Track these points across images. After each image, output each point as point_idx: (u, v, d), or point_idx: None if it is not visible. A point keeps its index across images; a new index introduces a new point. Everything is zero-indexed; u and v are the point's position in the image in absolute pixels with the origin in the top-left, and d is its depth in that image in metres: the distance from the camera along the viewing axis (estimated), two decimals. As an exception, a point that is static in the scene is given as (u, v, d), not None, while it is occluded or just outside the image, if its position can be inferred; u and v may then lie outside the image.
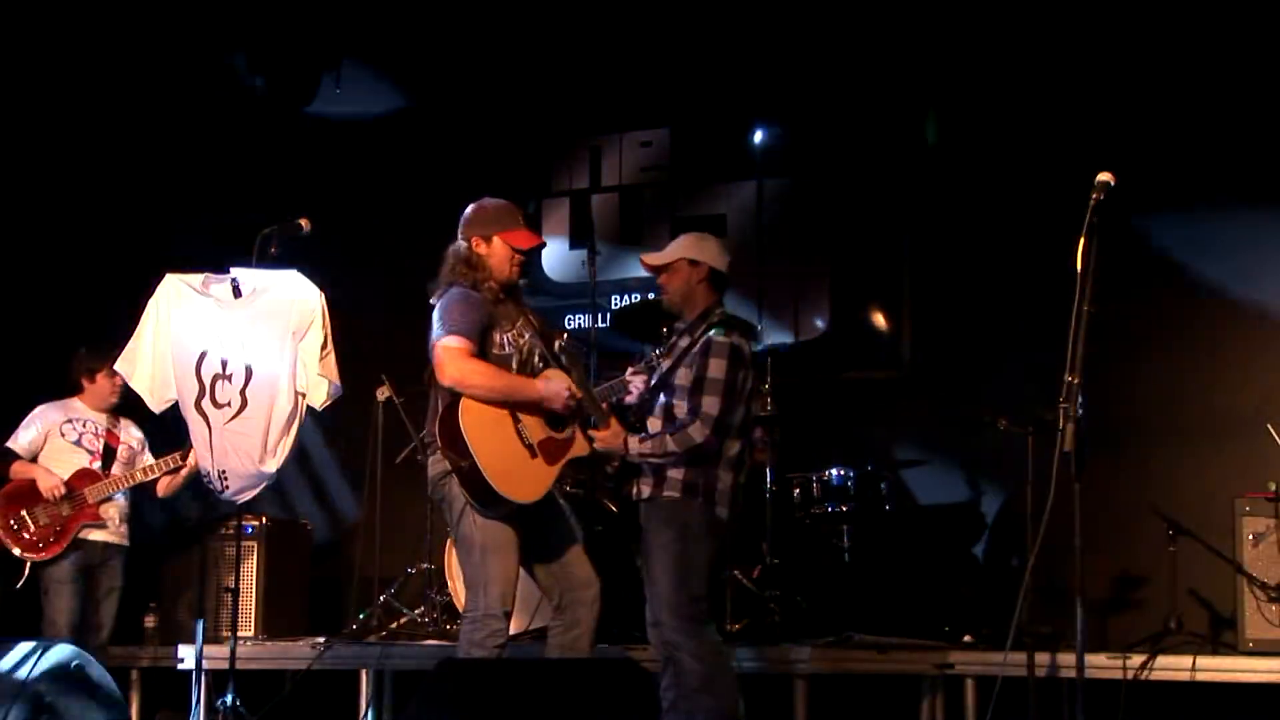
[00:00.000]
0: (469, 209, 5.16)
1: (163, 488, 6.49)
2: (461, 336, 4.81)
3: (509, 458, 4.82)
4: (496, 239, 5.04)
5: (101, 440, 6.49)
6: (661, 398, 5.03)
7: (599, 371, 6.00)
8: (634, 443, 4.93)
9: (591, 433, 4.98)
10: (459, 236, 5.09)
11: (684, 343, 5.04)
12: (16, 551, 6.26)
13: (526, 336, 5.03)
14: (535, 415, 4.94)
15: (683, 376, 4.96)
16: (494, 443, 4.79)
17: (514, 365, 4.96)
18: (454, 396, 4.81)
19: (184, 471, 6.36)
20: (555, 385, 4.90)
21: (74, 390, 6.54)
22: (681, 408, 4.92)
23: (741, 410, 4.98)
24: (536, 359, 5.04)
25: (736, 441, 4.98)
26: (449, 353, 4.80)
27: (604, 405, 5.00)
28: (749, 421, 5.09)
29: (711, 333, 4.96)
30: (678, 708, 4.92)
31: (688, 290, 5.10)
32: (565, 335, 5.11)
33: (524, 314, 5.09)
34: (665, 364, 5.09)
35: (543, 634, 5.31)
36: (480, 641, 4.79)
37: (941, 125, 7.27)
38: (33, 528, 6.28)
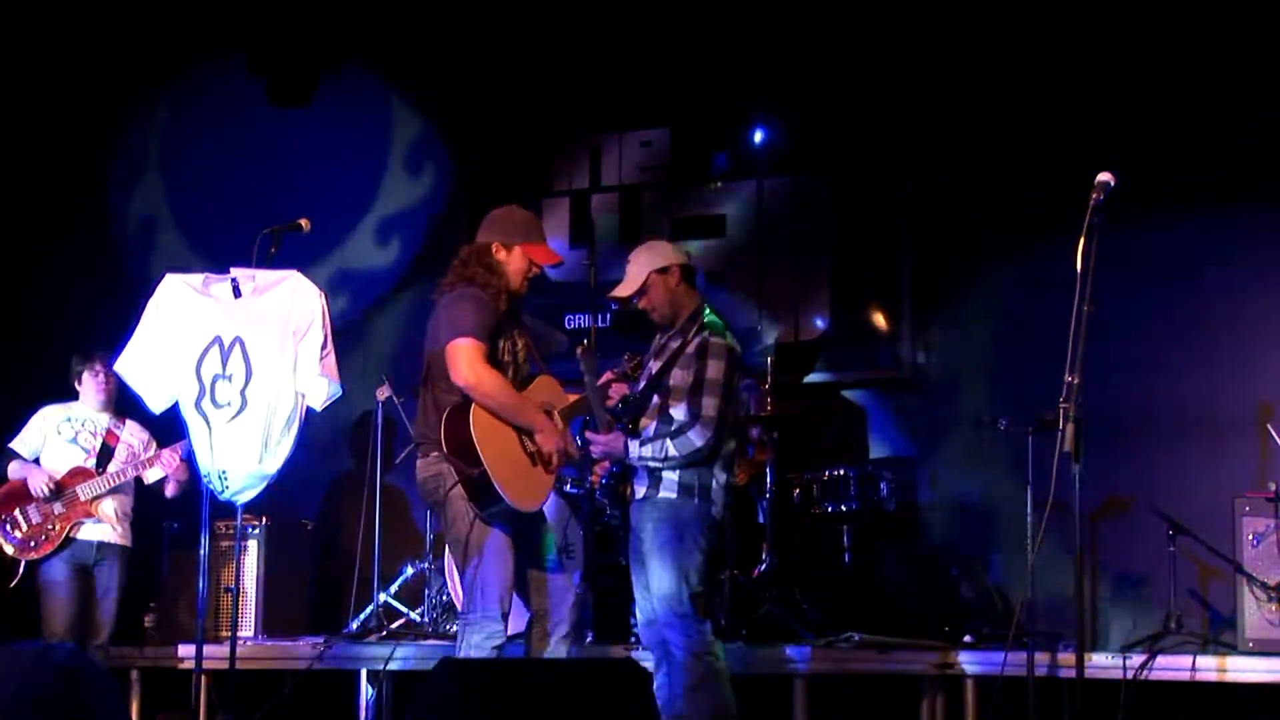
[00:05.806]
0: (497, 212, 5.12)
1: (169, 488, 6.52)
2: (475, 338, 4.79)
3: (514, 466, 4.83)
4: (518, 249, 5.01)
5: (99, 439, 6.50)
6: (655, 399, 5.04)
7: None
8: (634, 447, 4.95)
9: (590, 435, 4.99)
10: (479, 237, 5.06)
11: (674, 344, 5.04)
12: (9, 550, 6.30)
13: (520, 346, 5.03)
14: None
15: (678, 378, 4.97)
16: (501, 451, 4.79)
17: (509, 375, 4.96)
18: (462, 401, 4.79)
19: (177, 471, 6.38)
20: (555, 437, 4.88)
21: (75, 394, 6.61)
22: (680, 410, 4.93)
23: (731, 410, 5.04)
24: (527, 372, 5.06)
25: (731, 440, 5.05)
26: (464, 353, 4.77)
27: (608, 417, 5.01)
28: (740, 421, 5.15)
29: (708, 335, 4.98)
30: (673, 706, 4.93)
31: (672, 298, 5.12)
32: (584, 346, 5.05)
33: (518, 328, 5.08)
34: (654, 365, 5.09)
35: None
36: (478, 644, 4.80)
37: (941, 124, 7.26)
38: (25, 527, 6.31)
